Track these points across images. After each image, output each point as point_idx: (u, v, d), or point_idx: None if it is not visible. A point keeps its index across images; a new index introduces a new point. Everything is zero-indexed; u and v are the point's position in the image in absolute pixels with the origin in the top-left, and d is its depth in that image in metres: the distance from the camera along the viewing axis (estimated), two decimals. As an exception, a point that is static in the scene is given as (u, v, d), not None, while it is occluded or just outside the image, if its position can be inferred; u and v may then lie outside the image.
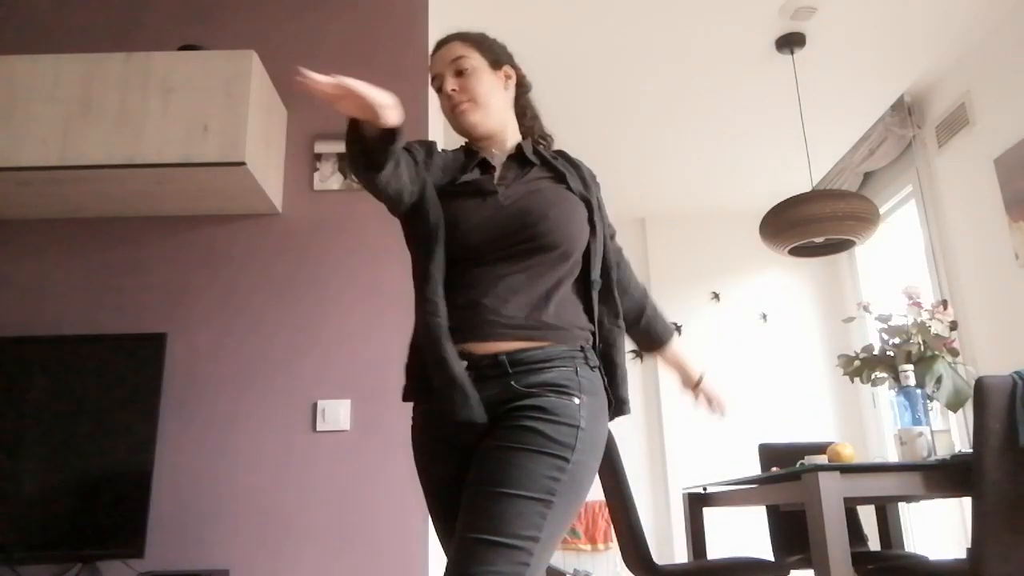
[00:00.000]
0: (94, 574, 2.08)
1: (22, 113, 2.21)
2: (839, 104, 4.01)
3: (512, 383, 1.26)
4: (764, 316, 5.08)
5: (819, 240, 3.34)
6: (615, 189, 4.85)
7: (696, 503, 3.04)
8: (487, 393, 1.26)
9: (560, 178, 1.42)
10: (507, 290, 1.30)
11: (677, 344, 1.68)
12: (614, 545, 4.52)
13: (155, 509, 2.25)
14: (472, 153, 1.47)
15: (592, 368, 1.33)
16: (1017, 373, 1.91)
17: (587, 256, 1.38)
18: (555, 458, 1.19)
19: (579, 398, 1.27)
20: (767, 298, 5.11)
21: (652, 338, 1.65)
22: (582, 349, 1.32)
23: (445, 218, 1.34)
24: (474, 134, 1.45)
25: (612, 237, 1.53)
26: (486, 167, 1.44)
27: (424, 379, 1.30)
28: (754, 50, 3.53)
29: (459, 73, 1.43)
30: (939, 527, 4.09)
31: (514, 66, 1.52)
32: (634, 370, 5.00)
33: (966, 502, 3.57)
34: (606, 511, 4.51)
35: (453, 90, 1.42)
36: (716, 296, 5.11)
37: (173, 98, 2.23)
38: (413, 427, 1.40)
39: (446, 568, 1.12)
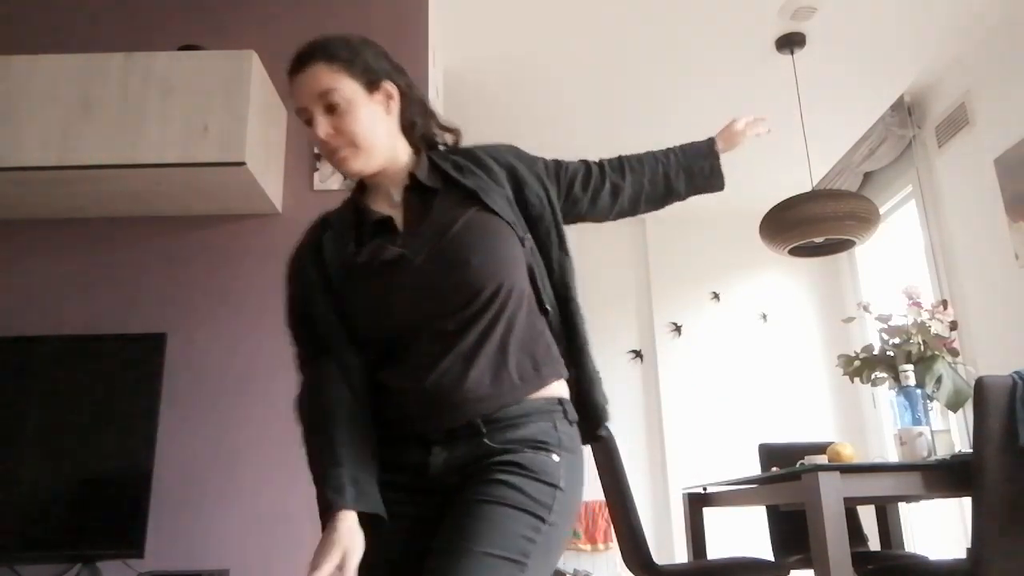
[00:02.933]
0: (94, 574, 2.08)
1: (22, 113, 2.21)
2: (839, 104, 4.01)
3: (486, 440, 1.13)
4: (764, 316, 5.08)
5: (819, 240, 3.34)
6: (615, 189, 4.84)
7: (696, 503, 3.05)
8: (456, 453, 1.14)
9: (471, 196, 1.22)
10: (458, 360, 1.13)
11: (714, 146, 1.51)
12: (614, 545, 4.52)
13: (155, 509, 2.24)
14: (362, 210, 1.27)
15: (571, 423, 1.20)
16: (1017, 373, 1.91)
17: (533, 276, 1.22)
18: (532, 517, 1.07)
19: (558, 455, 1.14)
20: (767, 298, 5.11)
21: (699, 177, 1.49)
22: (560, 402, 1.19)
23: (360, 305, 1.19)
24: (364, 178, 1.28)
25: (576, 185, 1.36)
26: (382, 225, 1.23)
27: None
28: (754, 50, 3.53)
29: (330, 109, 1.21)
30: (939, 527, 4.09)
31: (394, 78, 1.27)
32: (634, 370, 5.00)
33: (966, 502, 3.57)
34: (606, 511, 4.51)
35: (329, 133, 1.20)
36: (716, 296, 5.11)
37: (173, 98, 2.23)
38: None
39: None
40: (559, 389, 1.21)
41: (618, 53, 3.50)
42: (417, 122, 1.31)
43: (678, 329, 5.05)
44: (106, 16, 2.75)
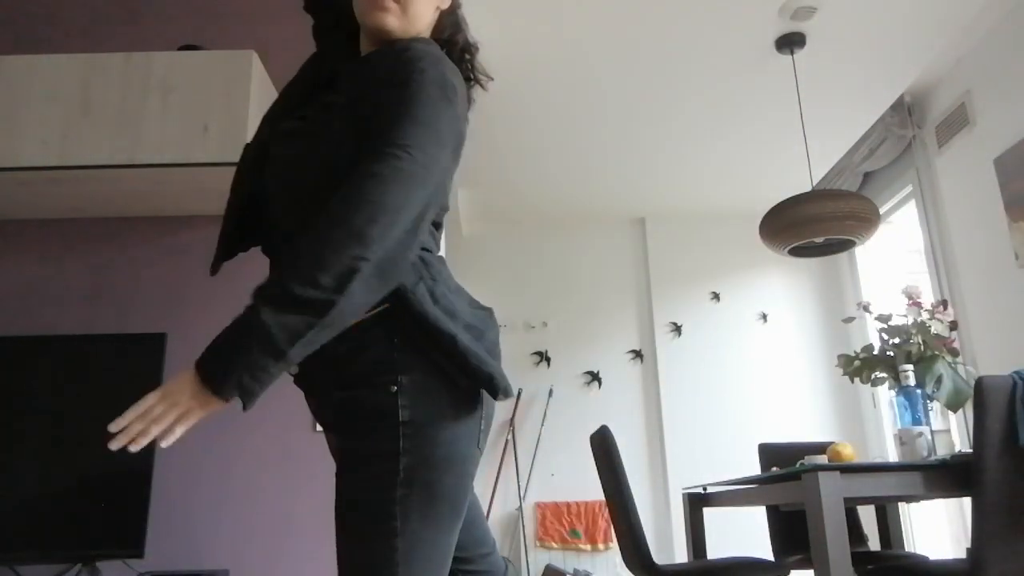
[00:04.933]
0: (94, 574, 2.08)
1: (22, 113, 2.21)
2: (839, 104, 4.01)
3: (324, 394, 1.14)
4: (764, 316, 5.08)
5: (819, 240, 3.34)
6: (615, 189, 4.86)
7: (696, 503, 3.04)
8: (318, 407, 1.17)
9: (327, 107, 1.15)
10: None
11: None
12: (614, 545, 4.53)
13: (155, 509, 2.25)
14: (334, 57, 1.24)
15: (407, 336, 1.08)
16: (1017, 373, 1.91)
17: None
18: (355, 476, 1.05)
19: (386, 390, 1.05)
20: (767, 298, 5.11)
21: None
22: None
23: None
24: (377, 38, 1.19)
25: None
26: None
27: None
28: (754, 50, 3.53)
29: None
30: (939, 527, 4.09)
31: None
32: (634, 370, 5.00)
33: (966, 502, 3.57)
34: (606, 511, 4.51)
35: None
36: (716, 296, 5.11)
37: (173, 98, 2.23)
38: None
39: None
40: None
41: (618, 53, 3.50)
42: (447, 30, 1.27)
43: (678, 329, 5.05)
44: (106, 16, 2.75)
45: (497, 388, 1.07)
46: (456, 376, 1.06)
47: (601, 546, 4.54)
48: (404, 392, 1.03)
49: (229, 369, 0.92)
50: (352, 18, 1.23)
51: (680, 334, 5.04)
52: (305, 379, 1.17)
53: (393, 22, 1.16)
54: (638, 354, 5.04)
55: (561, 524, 4.60)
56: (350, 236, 0.93)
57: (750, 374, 4.95)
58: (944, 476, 2.01)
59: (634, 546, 2.56)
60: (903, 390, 2.38)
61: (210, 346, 0.95)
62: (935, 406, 2.51)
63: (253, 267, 2.49)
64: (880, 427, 4.65)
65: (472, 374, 1.06)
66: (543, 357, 4.98)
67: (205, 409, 0.96)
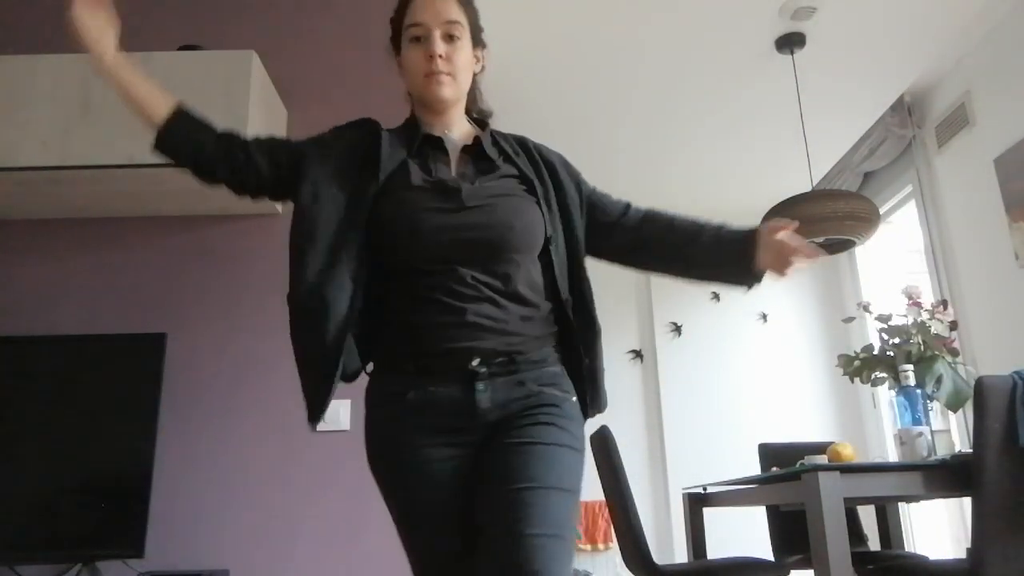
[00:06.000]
0: (94, 574, 2.08)
1: (22, 113, 2.21)
2: (839, 104, 4.01)
3: (519, 378, 1.23)
4: (764, 316, 5.08)
5: (819, 240, 3.34)
6: (615, 189, 4.82)
7: (696, 503, 3.05)
8: (498, 390, 1.22)
9: (523, 180, 1.33)
10: (493, 299, 1.23)
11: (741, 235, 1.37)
12: (614, 545, 4.52)
13: (155, 509, 2.24)
14: (415, 129, 1.35)
15: (562, 364, 1.32)
16: (1017, 373, 1.91)
17: (549, 265, 1.32)
18: (578, 453, 1.23)
19: (572, 396, 1.29)
20: (767, 298, 5.11)
21: (706, 265, 1.40)
22: (555, 350, 1.31)
23: (399, 210, 1.24)
24: (436, 108, 1.34)
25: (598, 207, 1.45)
26: (436, 145, 1.33)
27: (422, 356, 1.23)
28: (754, 50, 3.53)
29: (448, 38, 1.31)
30: (939, 527, 4.09)
31: (484, 49, 1.43)
32: (634, 370, 5.00)
33: (966, 502, 3.57)
34: (606, 511, 4.51)
35: (441, 56, 1.30)
36: (716, 296, 5.11)
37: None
38: (387, 417, 1.26)
39: (512, 567, 1.07)
40: (552, 337, 1.32)
41: (618, 53, 3.49)
42: (474, 93, 1.43)
43: (678, 329, 5.05)
44: (106, 16, 2.74)
45: None
46: None
47: (601, 546, 4.54)
48: None
49: None
50: None
51: (680, 334, 5.04)
52: None
53: (448, 92, 1.31)
54: (638, 354, 5.04)
55: (561, 524, 4.59)
56: None
57: (750, 374, 4.95)
58: (944, 476, 2.01)
59: (634, 546, 2.56)
60: (903, 390, 2.38)
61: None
62: (935, 406, 2.51)
63: (254, 266, 2.49)
64: (880, 427, 4.65)
65: None
66: (543, 357, 4.97)
67: None
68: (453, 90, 1.32)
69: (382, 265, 1.27)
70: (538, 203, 1.31)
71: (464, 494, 1.21)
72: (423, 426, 1.22)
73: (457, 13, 1.33)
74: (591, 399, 1.35)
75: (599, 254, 1.47)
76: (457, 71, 1.32)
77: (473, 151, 1.35)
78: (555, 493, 1.14)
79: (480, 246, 1.23)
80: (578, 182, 1.44)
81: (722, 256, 1.38)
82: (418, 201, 1.24)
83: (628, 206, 1.47)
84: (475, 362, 1.21)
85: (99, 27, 1.33)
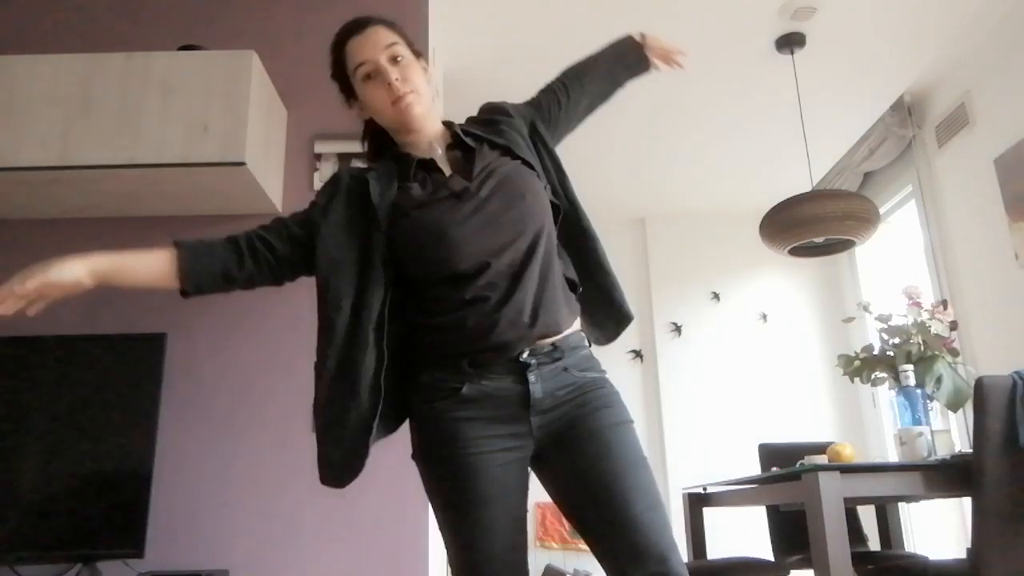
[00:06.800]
0: (94, 574, 2.08)
1: (22, 113, 2.21)
2: (839, 104, 4.01)
3: (563, 364, 1.30)
4: (764, 316, 5.08)
5: (819, 240, 3.34)
6: (615, 189, 4.85)
7: (696, 503, 3.05)
8: (547, 379, 1.29)
9: (506, 151, 1.41)
10: (530, 290, 1.28)
11: (638, 43, 1.74)
12: (614, 545, 4.51)
13: (155, 509, 2.24)
14: (404, 157, 1.41)
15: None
16: (1017, 373, 1.91)
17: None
18: (633, 425, 1.33)
19: (605, 372, 1.38)
20: (767, 298, 5.11)
21: (622, 70, 1.71)
22: (582, 331, 1.40)
23: (419, 239, 1.30)
24: (413, 127, 1.39)
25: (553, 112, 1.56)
26: (428, 166, 1.39)
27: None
28: (754, 50, 3.53)
29: (393, 61, 1.37)
30: (939, 527, 4.09)
31: (423, 56, 1.49)
32: (634, 370, 5.00)
33: (966, 502, 3.57)
34: (606, 511, 4.49)
35: (397, 79, 1.35)
36: (716, 296, 5.11)
37: (173, 98, 2.23)
38: (442, 409, 1.30)
39: (655, 543, 1.19)
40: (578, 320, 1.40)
41: (618, 53, 3.49)
42: (435, 93, 1.49)
43: (678, 329, 5.05)
44: (106, 16, 2.74)
45: None
46: None
47: (601, 546, 4.53)
48: None
49: None
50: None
51: (680, 334, 5.04)
52: None
53: (418, 108, 1.37)
54: (638, 354, 5.04)
55: (561, 524, 4.60)
56: None
57: (750, 374, 4.94)
58: (944, 476, 2.01)
59: (634, 546, 2.55)
60: (903, 390, 2.38)
61: None
62: (935, 406, 2.51)
63: (253, 267, 2.49)
64: (880, 427, 4.65)
65: None
66: (543, 357, 4.97)
67: None
68: (421, 104, 1.38)
69: (415, 278, 1.33)
70: (525, 162, 1.40)
71: (516, 485, 1.29)
72: (480, 418, 1.28)
73: (390, 36, 1.39)
74: (612, 315, 1.44)
75: (572, 127, 1.65)
76: (416, 86, 1.37)
77: (456, 147, 1.42)
78: (641, 467, 1.24)
79: (506, 228, 1.29)
80: (527, 115, 1.51)
81: (627, 60, 1.73)
82: (434, 214, 1.30)
83: (553, 89, 1.59)
84: (525, 354, 1.27)
85: (62, 285, 1.40)
